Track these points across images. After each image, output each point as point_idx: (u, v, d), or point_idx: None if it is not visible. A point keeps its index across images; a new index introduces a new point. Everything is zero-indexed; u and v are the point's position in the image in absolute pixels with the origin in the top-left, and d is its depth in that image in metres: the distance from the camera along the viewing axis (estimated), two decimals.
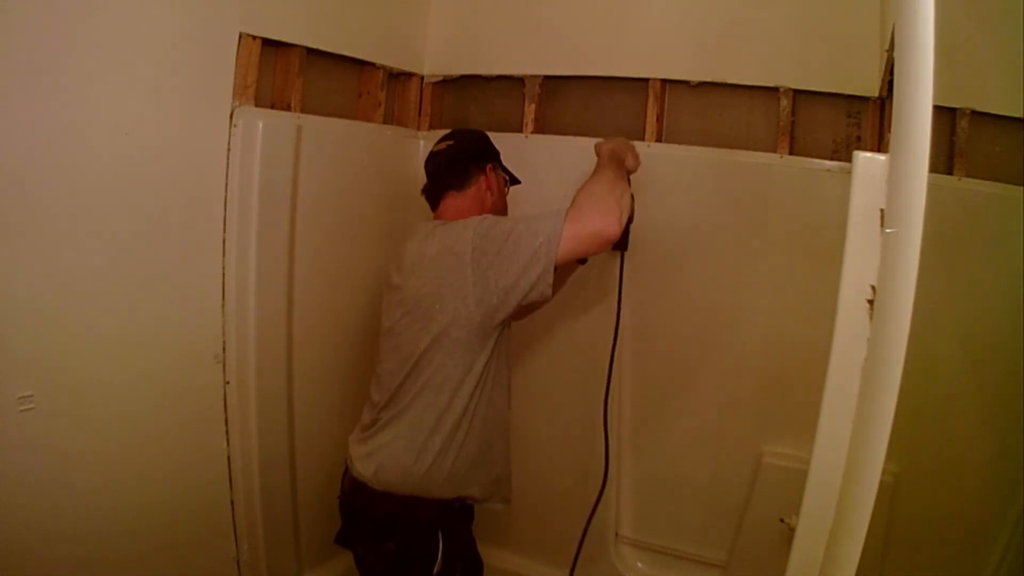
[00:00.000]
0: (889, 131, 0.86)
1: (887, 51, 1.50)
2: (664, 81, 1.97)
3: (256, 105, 1.63)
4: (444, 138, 1.64)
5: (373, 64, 2.00)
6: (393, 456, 1.44)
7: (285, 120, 1.71)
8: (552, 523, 2.13)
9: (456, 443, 1.45)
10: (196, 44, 1.49)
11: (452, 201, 1.57)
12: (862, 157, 0.81)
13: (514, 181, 1.70)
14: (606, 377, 1.87)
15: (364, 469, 1.47)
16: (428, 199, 1.62)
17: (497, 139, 2.13)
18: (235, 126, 1.57)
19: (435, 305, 1.39)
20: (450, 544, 1.48)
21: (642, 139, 1.99)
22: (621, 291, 1.84)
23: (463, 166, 1.59)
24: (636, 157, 1.62)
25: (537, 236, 1.29)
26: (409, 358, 1.43)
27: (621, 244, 1.80)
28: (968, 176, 1.73)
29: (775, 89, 1.87)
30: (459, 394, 1.43)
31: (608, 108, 2.09)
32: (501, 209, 1.63)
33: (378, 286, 2.06)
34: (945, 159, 1.75)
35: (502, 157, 1.67)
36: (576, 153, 2.02)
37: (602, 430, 1.91)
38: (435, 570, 1.45)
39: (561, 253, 1.29)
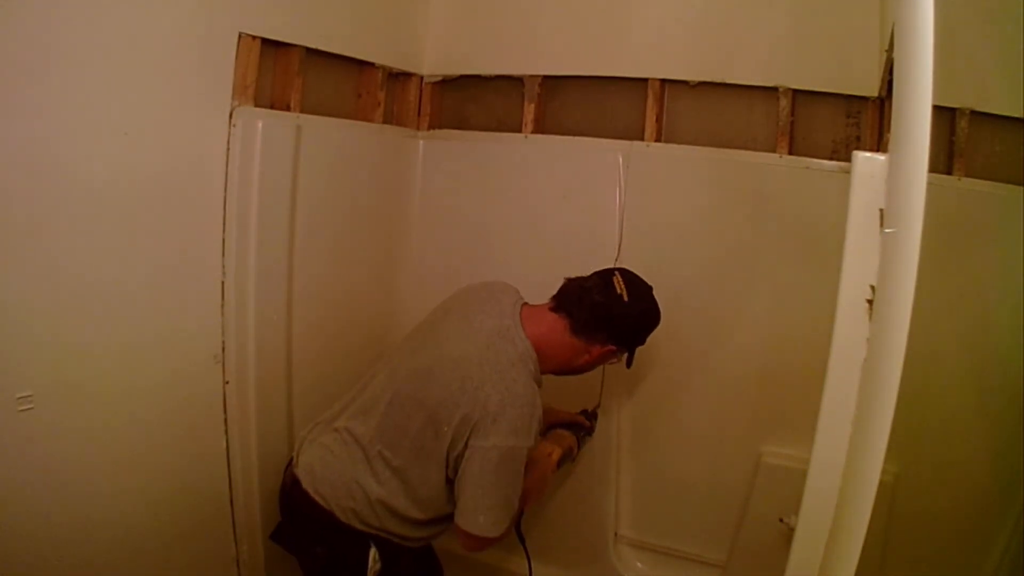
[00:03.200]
0: (889, 131, 0.86)
1: (887, 51, 1.50)
2: (663, 81, 1.97)
3: (255, 105, 1.62)
4: (632, 281, 1.48)
5: (372, 64, 2.00)
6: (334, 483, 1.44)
7: (284, 120, 1.71)
8: (548, 520, 2.13)
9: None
10: (195, 44, 1.49)
11: (556, 327, 1.47)
12: (861, 157, 0.81)
13: (629, 364, 1.58)
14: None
15: (304, 473, 1.46)
16: (562, 287, 1.51)
17: (497, 139, 2.13)
18: (234, 126, 1.57)
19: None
20: (388, 555, 1.45)
21: (642, 139, 1.99)
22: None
23: (599, 324, 1.46)
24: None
25: (489, 512, 1.35)
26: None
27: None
28: (968, 176, 1.73)
29: (774, 89, 1.87)
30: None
31: (607, 108, 2.08)
32: (583, 370, 1.55)
33: (377, 285, 2.08)
34: (945, 159, 1.75)
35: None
36: (576, 153, 2.04)
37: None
38: None
39: (465, 536, 1.38)
